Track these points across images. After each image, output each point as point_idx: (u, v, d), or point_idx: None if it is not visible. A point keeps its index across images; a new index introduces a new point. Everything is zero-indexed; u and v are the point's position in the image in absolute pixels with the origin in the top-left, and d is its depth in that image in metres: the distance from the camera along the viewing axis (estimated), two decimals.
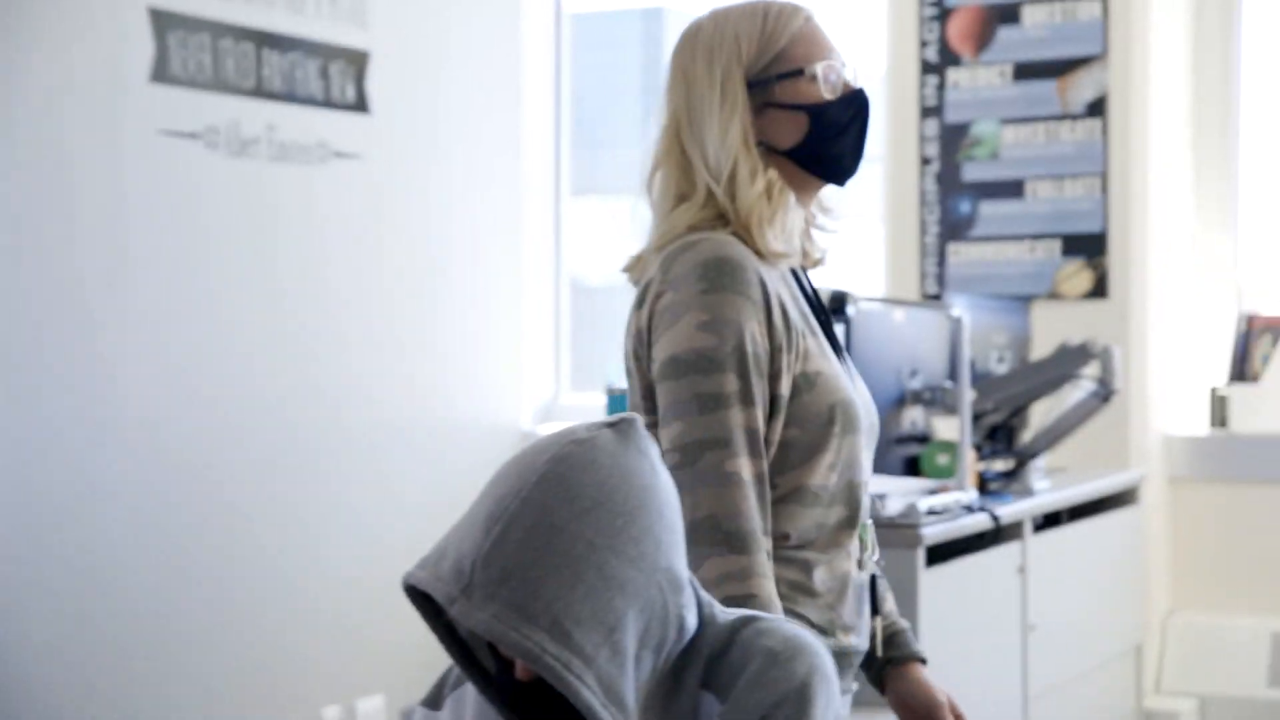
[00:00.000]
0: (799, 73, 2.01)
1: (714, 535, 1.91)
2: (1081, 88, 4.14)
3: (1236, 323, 4.16)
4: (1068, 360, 3.35)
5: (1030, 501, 3.28)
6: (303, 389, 3.95)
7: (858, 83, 2.05)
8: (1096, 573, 3.75)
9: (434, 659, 1.73)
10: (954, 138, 4.30)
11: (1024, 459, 3.39)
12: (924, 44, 4.31)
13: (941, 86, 4.28)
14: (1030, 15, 4.21)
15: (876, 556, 2.08)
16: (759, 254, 1.98)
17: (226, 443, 3.76)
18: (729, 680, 1.60)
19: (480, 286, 4.55)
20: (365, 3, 4.08)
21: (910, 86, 4.34)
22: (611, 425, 1.54)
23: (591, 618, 1.45)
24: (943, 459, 3.26)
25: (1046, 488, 3.42)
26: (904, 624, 2.15)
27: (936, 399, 3.34)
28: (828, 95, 2.03)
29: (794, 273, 2.07)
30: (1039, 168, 4.21)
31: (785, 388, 1.95)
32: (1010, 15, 4.23)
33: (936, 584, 2.92)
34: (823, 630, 1.98)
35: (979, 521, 3.06)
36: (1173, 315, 4.24)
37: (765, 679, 1.58)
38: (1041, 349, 3.67)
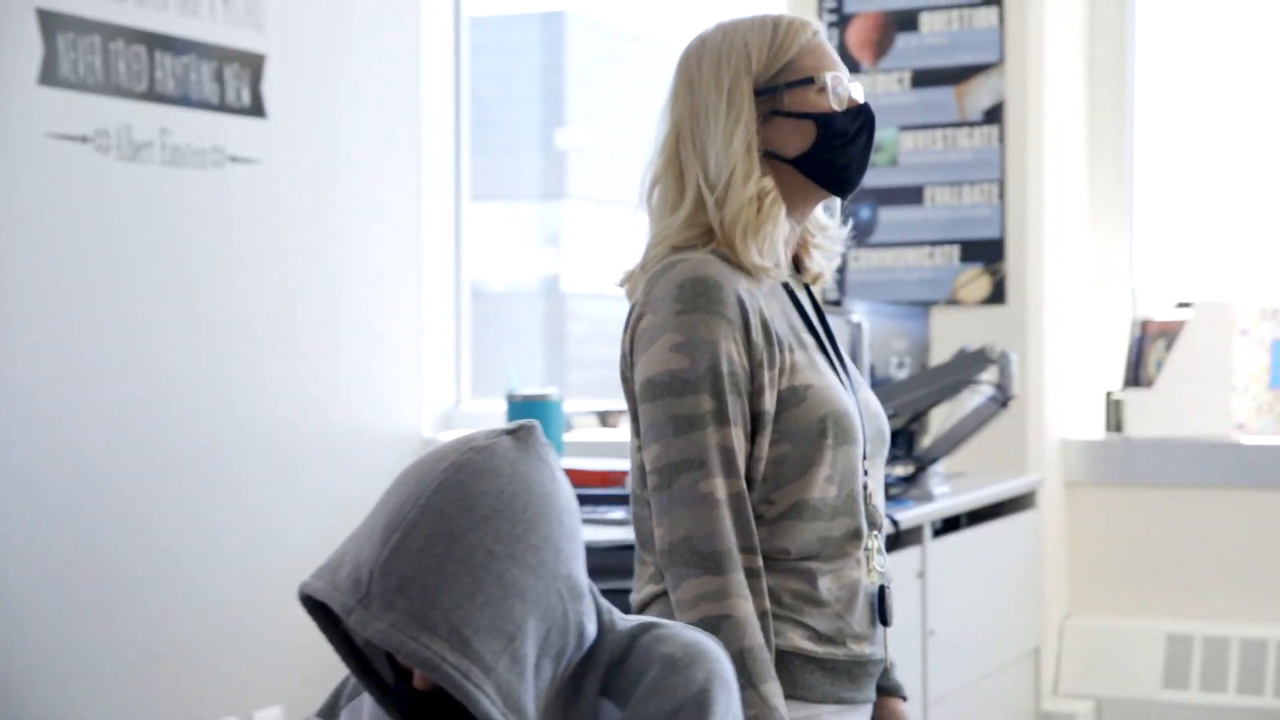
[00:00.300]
0: (809, 82, 2.05)
1: (690, 557, 1.93)
2: (979, 95, 4.18)
3: (1131, 328, 4.21)
4: (966, 366, 3.38)
5: (929, 506, 3.30)
6: (200, 396, 3.89)
7: (862, 97, 2.10)
8: (995, 577, 3.78)
9: (332, 669, 1.71)
10: None
11: (923, 464, 3.41)
12: None
13: None
14: (928, 23, 4.25)
15: (885, 567, 2.09)
16: (742, 268, 2.00)
17: (121, 450, 3.70)
18: (628, 687, 1.59)
19: (380, 293, 4.51)
20: (261, 5, 4.03)
21: None
22: (511, 432, 1.53)
23: (491, 626, 1.43)
24: None
25: (945, 492, 3.44)
26: (891, 658, 2.16)
27: None
28: (835, 106, 2.06)
29: (787, 287, 2.08)
30: (937, 174, 4.24)
31: (769, 403, 1.97)
32: (909, 23, 4.26)
33: None
34: (831, 640, 2.00)
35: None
36: (1069, 321, 4.29)
37: (664, 686, 1.57)
38: (941, 354, 3.70)
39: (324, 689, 1.82)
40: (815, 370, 2.02)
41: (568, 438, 4.23)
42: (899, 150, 4.28)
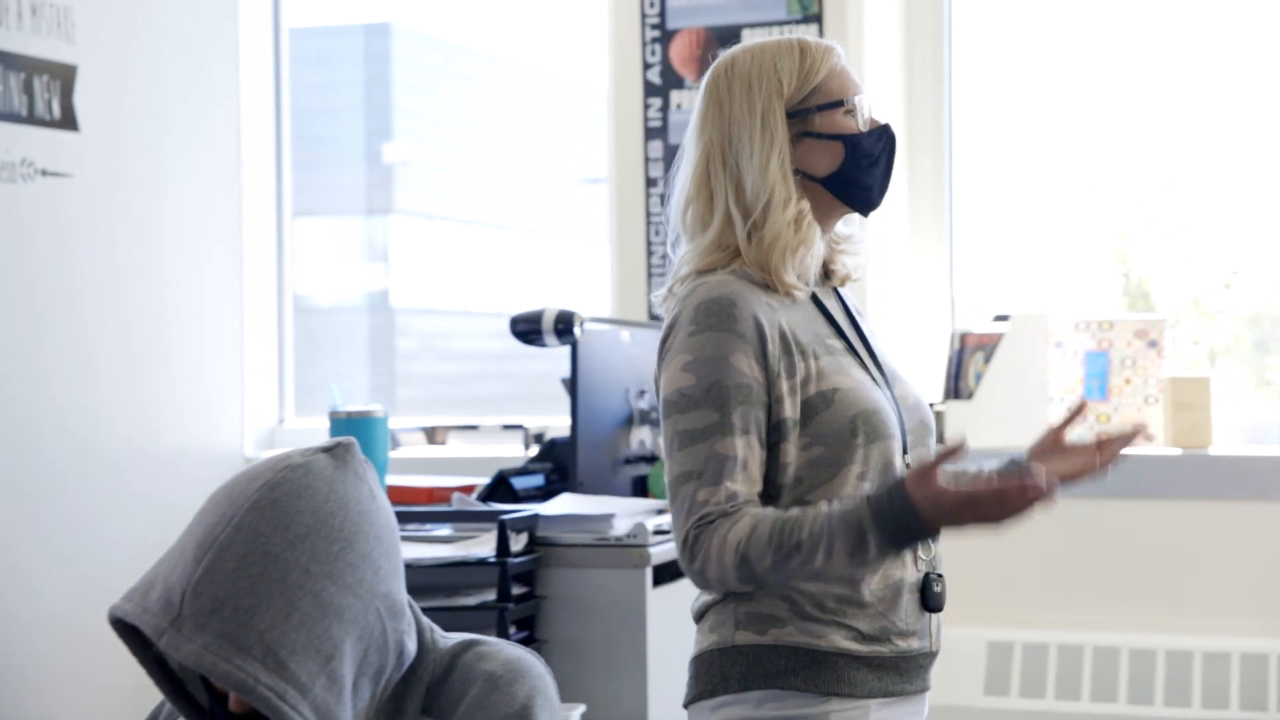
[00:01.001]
0: (839, 104, 2.17)
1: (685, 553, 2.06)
2: None
3: (950, 340, 4.29)
4: None
5: None
6: (7, 415, 3.78)
7: (884, 119, 2.22)
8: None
9: (146, 694, 1.67)
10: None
11: None
12: (647, 66, 4.35)
13: (665, 108, 4.33)
14: (750, 39, 4.28)
15: (932, 555, 2.16)
16: (768, 285, 2.12)
17: None
18: (450, 706, 1.58)
19: (200, 309, 4.43)
20: (72, 15, 3.93)
21: (634, 108, 4.37)
22: (328, 450, 1.51)
23: (307, 646, 1.41)
24: None
25: None
26: None
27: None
28: (861, 127, 2.18)
29: (814, 297, 2.19)
30: None
31: (791, 410, 2.07)
32: (731, 38, 4.29)
33: (664, 603, 2.93)
34: (875, 639, 2.09)
35: None
36: (890, 332, 4.36)
37: (486, 703, 1.56)
38: None
39: (138, 714, 1.77)
40: (843, 373, 2.12)
41: (395, 455, 4.19)
42: None
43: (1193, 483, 3.99)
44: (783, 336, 2.09)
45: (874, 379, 2.17)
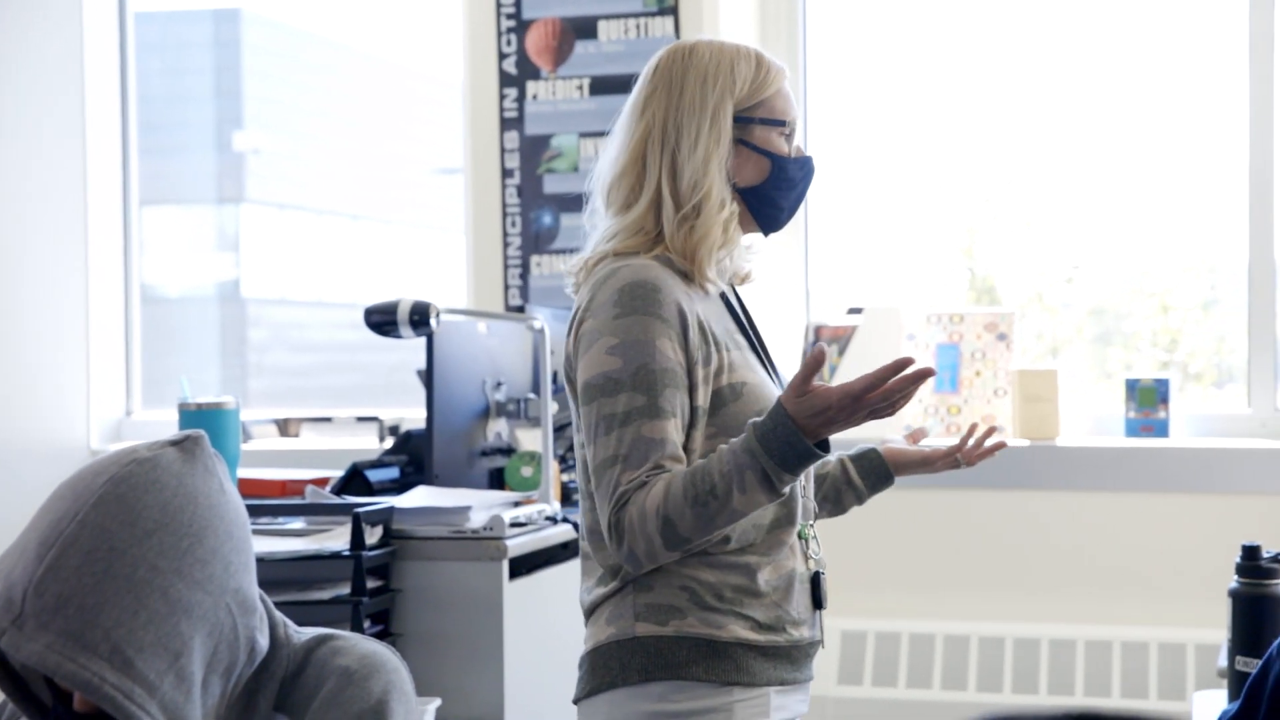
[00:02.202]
0: (780, 124, 2.22)
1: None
2: None
3: (805, 333, 4.32)
4: None
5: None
6: None
7: (807, 150, 2.29)
8: None
9: None
10: (535, 150, 4.33)
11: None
12: (503, 56, 4.33)
13: (521, 99, 4.31)
14: (605, 31, 4.28)
15: (820, 554, 2.22)
16: (686, 275, 2.15)
17: None
18: (304, 701, 1.56)
19: (44, 298, 4.32)
20: None
21: (490, 98, 4.35)
22: (176, 443, 1.48)
23: (155, 644, 1.38)
24: (526, 471, 3.27)
25: None
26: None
27: (520, 411, 3.35)
28: (791, 152, 2.23)
29: (723, 295, 2.23)
30: None
31: (702, 399, 2.10)
32: (587, 30, 4.29)
33: (520, 596, 2.92)
34: (771, 628, 2.13)
35: (563, 532, 3.08)
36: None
37: (341, 698, 1.54)
38: None
39: None
40: (750, 369, 2.16)
41: (247, 447, 4.12)
42: (580, 157, 4.31)
43: (1040, 473, 4.06)
44: (700, 325, 2.12)
45: (771, 377, 2.23)
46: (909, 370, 1.95)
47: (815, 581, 2.20)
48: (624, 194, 2.20)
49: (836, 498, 2.45)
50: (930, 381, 4.19)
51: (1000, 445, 2.44)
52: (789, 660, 2.17)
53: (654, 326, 2.07)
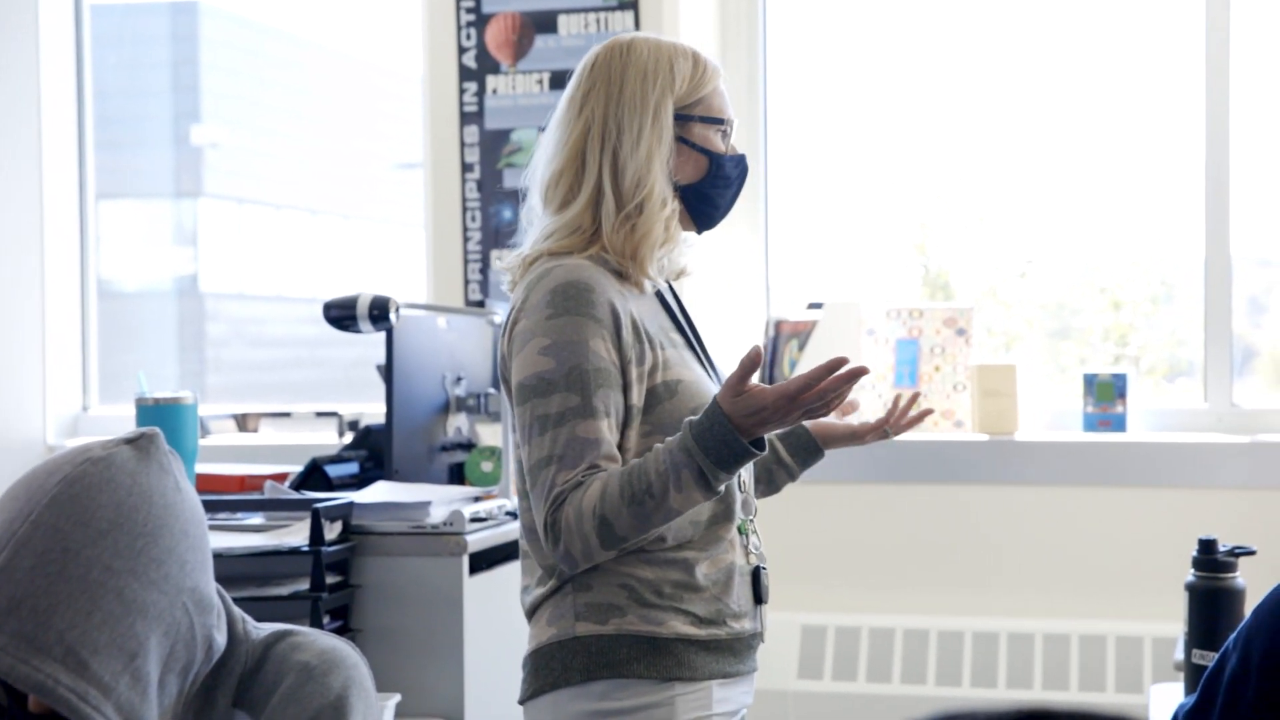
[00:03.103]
0: (719, 122, 2.23)
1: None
2: None
3: (765, 327, 4.32)
4: None
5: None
6: None
7: (742, 150, 2.30)
8: None
9: None
10: (495, 144, 4.32)
11: None
12: (463, 50, 4.31)
13: (481, 93, 4.30)
14: (566, 25, 4.28)
15: (760, 550, 2.24)
16: (624, 274, 2.16)
17: None
18: (263, 697, 1.55)
19: None
20: None
21: (450, 92, 4.33)
22: (130, 441, 1.47)
23: (110, 645, 1.37)
24: (487, 466, 3.26)
25: None
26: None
27: (480, 406, 3.35)
28: (727, 150, 2.24)
29: (658, 293, 2.25)
30: None
31: (637, 397, 2.11)
32: (547, 24, 4.28)
33: (480, 591, 2.91)
34: (712, 622, 2.14)
35: None
36: (706, 320, 4.38)
37: (300, 694, 1.54)
38: None
39: None
40: (686, 366, 2.18)
41: (205, 442, 4.10)
42: None
43: (999, 468, 4.08)
44: (634, 324, 2.13)
45: (708, 374, 2.24)
46: (842, 370, 1.97)
47: (756, 576, 2.21)
48: (562, 192, 2.20)
49: (769, 478, 2.47)
50: (890, 376, 4.20)
51: (927, 412, 2.49)
52: (731, 653, 2.18)
53: (587, 327, 2.08)
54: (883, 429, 2.46)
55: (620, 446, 2.10)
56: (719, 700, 2.17)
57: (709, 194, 2.24)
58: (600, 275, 2.13)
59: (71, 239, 4.69)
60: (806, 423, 2.43)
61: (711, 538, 2.16)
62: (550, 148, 2.23)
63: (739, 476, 2.17)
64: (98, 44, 4.78)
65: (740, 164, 2.28)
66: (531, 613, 2.19)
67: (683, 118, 2.20)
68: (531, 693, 2.16)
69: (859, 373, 1.97)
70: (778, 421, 2.00)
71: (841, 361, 1.98)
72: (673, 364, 2.16)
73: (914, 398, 2.47)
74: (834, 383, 1.98)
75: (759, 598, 2.22)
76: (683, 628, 2.12)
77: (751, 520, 2.25)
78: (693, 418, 2.02)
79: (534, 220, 2.25)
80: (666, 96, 2.19)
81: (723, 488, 2.04)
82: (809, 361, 4.15)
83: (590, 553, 2.05)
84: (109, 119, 4.92)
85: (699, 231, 2.31)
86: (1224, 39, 4.10)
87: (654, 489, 2.00)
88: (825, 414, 2.03)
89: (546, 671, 2.13)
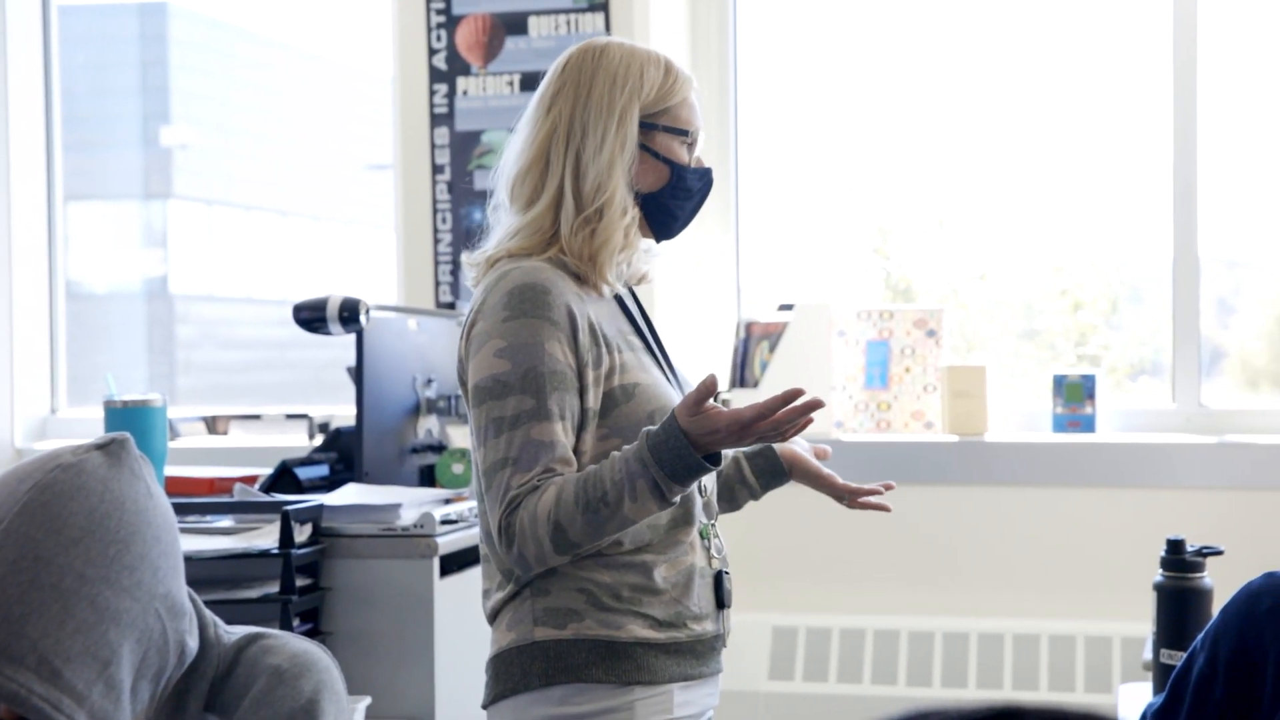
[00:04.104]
0: (684, 133, 2.22)
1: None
2: None
3: (736, 329, 4.33)
4: None
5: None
6: None
7: (708, 164, 2.28)
8: None
9: None
10: (465, 146, 4.31)
11: None
12: (433, 51, 4.31)
13: (451, 94, 4.29)
14: (536, 26, 4.27)
15: (723, 553, 2.24)
16: (579, 276, 2.15)
17: None
18: (234, 701, 1.55)
19: None
20: None
21: (420, 94, 4.32)
22: (101, 447, 1.46)
23: (84, 653, 1.37)
24: (457, 468, 3.26)
25: None
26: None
27: (451, 408, 3.34)
28: (691, 162, 2.23)
29: (617, 296, 2.24)
30: None
31: (593, 401, 2.11)
32: (518, 26, 4.28)
33: (452, 593, 2.91)
34: (671, 624, 2.14)
35: None
36: (676, 321, 4.39)
37: (271, 698, 1.53)
38: None
39: None
40: (644, 370, 2.17)
41: (174, 445, 4.08)
42: None
43: (969, 469, 4.09)
44: (591, 327, 2.13)
45: (668, 378, 2.23)
46: (798, 402, 1.98)
47: (718, 580, 2.21)
48: (527, 191, 2.20)
49: (730, 495, 2.45)
50: (860, 378, 4.21)
51: (884, 509, 2.42)
52: (692, 655, 2.18)
53: (543, 329, 2.08)
54: (842, 496, 2.40)
55: (576, 449, 2.10)
56: (681, 704, 2.16)
57: (668, 205, 2.24)
58: (558, 278, 2.13)
59: (40, 240, 4.67)
60: (776, 445, 2.42)
61: (670, 541, 2.16)
62: (518, 146, 2.24)
63: (700, 481, 2.17)
64: (66, 44, 4.76)
65: (704, 177, 2.27)
66: (493, 617, 2.19)
67: (648, 126, 2.20)
68: (493, 697, 2.17)
69: (814, 405, 1.97)
70: (732, 443, 2.01)
71: (798, 393, 1.98)
72: (630, 367, 2.16)
73: (887, 488, 2.40)
74: (789, 414, 1.98)
75: (721, 602, 2.21)
76: (641, 631, 2.12)
77: (714, 524, 2.24)
78: (651, 428, 2.02)
79: (501, 219, 2.25)
80: (633, 102, 2.18)
81: (677, 499, 2.04)
82: (780, 363, 4.16)
83: (544, 557, 2.06)
84: (77, 120, 4.90)
85: (658, 240, 2.30)
86: (1191, 39, 4.12)
87: (609, 497, 2.00)
88: (781, 441, 2.04)
89: (507, 676, 2.14)
